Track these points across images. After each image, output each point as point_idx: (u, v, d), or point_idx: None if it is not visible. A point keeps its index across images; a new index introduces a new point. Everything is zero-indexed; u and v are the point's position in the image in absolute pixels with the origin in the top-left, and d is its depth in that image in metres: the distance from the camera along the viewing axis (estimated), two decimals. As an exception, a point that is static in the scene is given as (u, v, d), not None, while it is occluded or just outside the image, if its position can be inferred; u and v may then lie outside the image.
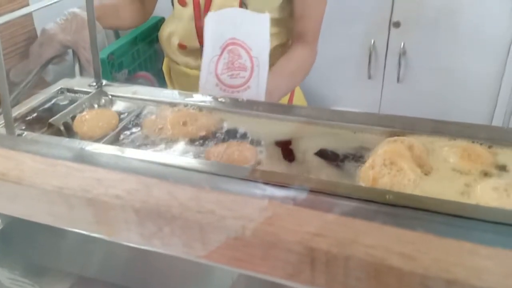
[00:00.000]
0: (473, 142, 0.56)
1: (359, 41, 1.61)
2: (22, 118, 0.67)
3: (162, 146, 0.61)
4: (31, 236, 0.62)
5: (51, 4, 0.65)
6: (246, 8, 0.95)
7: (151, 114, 0.67)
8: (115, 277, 0.61)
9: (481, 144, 0.56)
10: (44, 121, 0.65)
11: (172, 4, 1.02)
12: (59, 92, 0.73)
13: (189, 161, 0.54)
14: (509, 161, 0.54)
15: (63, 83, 0.75)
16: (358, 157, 0.56)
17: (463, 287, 0.32)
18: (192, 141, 0.62)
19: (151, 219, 0.41)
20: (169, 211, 0.40)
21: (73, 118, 0.66)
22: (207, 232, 0.40)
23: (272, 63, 0.79)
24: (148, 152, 0.58)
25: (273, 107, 0.66)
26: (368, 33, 1.59)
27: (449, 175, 0.52)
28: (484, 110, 1.58)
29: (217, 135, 0.63)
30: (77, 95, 0.73)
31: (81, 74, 0.82)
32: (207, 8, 0.97)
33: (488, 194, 0.48)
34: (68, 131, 0.65)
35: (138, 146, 0.61)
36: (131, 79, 1.53)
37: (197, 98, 0.69)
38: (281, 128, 0.63)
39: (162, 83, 1.23)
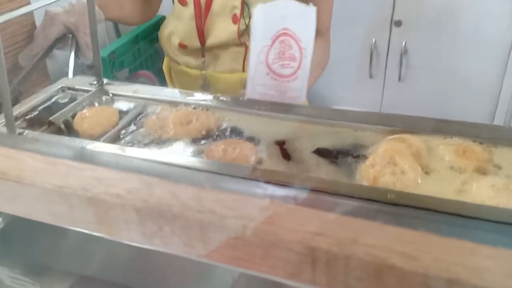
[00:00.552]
0: (474, 141, 0.56)
1: (360, 40, 1.61)
2: (22, 117, 0.67)
3: (163, 145, 0.61)
4: (32, 235, 0.62)
5: (51, 3, 0.65)
6: (247, 6, 0.95)
7: (152, 113, 0.67)
8: (116, 276, 0.61)
9: (481, 143, 0.56)
10: (45, 119, 0.65)
11: (173, 3, 1.02)
12: (60, 91, 0.73)
13: (190, 160, 0.54)
14: (508, 160, 0.54)
15: (64, 82, 0.75)
16: (358, 155, 0.56)
17: (464, 287, 0.32)
18: (192, 140, 0.62)
19: (152, 218, 0.41)
20: (169, 210, 0.40)
21: (73, 116, 0.66)
22: (208, 231, 0.39)
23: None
24: (149, 151, 0.58)
25: (274, 106, 0.66)
26: (369, 32, 1.59)
27: (448, 173, 0.52)
28: (485, 109, 1.58)
29: (218, 134, 0.63)
30: (77, 93, 0.73)
31: (78, 58, 0.82)
32: (208, 8, 0.96)
33: (485, 192, 0.48)
34: (69, 129, 0.65)
35: (139, 145, 0.61)
36: (132, 78, 1.53)
37: (198, 97, 0.69)
38: (282, 127, 0.63)
39: (163, 82, 1.23)
